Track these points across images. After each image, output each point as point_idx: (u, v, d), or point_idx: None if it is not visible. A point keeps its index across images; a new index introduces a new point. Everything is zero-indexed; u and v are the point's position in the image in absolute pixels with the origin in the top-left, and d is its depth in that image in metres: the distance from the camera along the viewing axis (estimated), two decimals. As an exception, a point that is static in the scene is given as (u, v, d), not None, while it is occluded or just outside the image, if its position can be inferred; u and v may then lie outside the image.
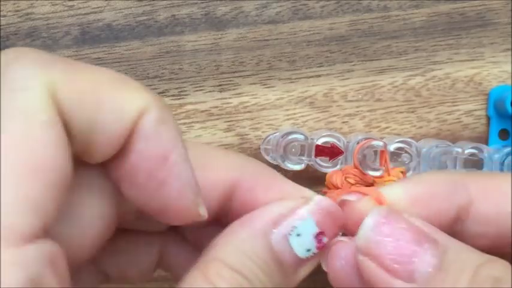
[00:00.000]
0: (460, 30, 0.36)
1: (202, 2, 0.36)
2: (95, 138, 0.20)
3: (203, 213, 0.22)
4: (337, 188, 0.32)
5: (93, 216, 0.22)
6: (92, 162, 0.21)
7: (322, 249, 0.23)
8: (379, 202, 0.23)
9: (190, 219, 0.22)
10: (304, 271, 0.23)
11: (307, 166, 0.34)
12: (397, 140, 0.33)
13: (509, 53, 0.36)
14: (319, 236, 0.23)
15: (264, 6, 0.36)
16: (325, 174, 0.33)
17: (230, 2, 0.36)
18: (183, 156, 0.21)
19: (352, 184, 0.32)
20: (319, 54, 0.36)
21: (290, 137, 0.33)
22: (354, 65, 0.36)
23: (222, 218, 0.25)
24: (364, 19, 0.36)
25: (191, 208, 0.22)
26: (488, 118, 0.36)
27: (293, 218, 0.23)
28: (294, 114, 0.36)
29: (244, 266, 0.22)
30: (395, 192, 0.24)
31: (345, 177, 0.32)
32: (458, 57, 0.36)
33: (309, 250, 0.23)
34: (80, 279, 0.25)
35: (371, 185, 0.32)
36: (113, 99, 0.20)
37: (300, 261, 0.23)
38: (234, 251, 0.22)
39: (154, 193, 0.21)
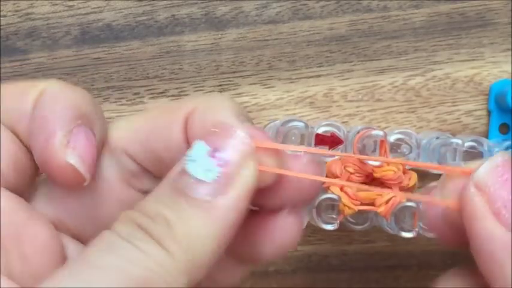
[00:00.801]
0: (460, 30, 0.36)
1: (202, 2, 0.36)
2: None
3: (73, 162, 0.23)
4: (336, 177, 0.32)
5: None
6: None
7: (227, 165, 0.21)
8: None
9: (63, 173, 0.23)
10: (229, 194, 0.21)
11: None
12: (397, 131, 0.33)
13: (509, 53, 0.36)
14: (213, 154, 0.22)
15: (264, 6, 0.36)
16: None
17: (230, 2, 0.36)
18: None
19: (351, 173, 0.32)
20: (319, 54, 0.36)
21: (290, 124, 0.33)
22: (354, 65, 0.36)
23: None
24: (364, 19, 0.36)
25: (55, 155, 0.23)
26: (489, 112, 0.36)
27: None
28: (294, 114, 0.36)
29: (149, 207, 0.21)
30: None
31: (344, 167, 0.32)
32: (458, 57, 0.36)
33: (209, 170, 0.21)
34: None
35: (370, 174, 0.32)
36: None
37: (210, 187, 0.21)
38: (143, 200, 0.22)
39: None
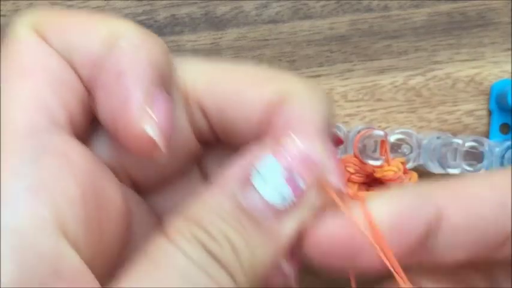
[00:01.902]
0: (460, 30, 0.36)
1: (202, 2, 0.36)
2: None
3: (152, 134, 0.20)
4: None
5: None
6: None
7: (301, 195, 0.20)
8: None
9: (139, 141, 0.20)
10: (290, 224, 0.20)
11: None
12: (397, 131, 0.33)
13: (510, 52, 0.36)
14: (290, 177, 0.20)
15: (264, 6, 0.36)
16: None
17: (230, 1, 0.36)
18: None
19: (352, 173, 0.32)
20: (319, 54, 0.36)
21: None
22: (354, 64, 0.36)
23: None
24: (364, 19, 0.36)
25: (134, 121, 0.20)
26: (490, 112, 0.36)
27: (251, 161, 0.20)
28: (294, 114, 0.36)
29: (210, 222, 0.20)
30: (380, 209, 0.21)
31: (345, 167, 0.32)
32: (459, 57, 0.36)
33: (283, 196, 0.20)
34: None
35: (371, 174, 0.32)
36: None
37: (279, 212, 0.20)
38: (201, 208, 0.20)
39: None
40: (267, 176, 0.20)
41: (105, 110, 0.21)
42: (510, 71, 0.36)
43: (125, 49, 0.21)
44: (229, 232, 0.20)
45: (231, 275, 0.20)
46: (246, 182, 0.20)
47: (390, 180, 0.32)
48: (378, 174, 0.32)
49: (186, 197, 0.21)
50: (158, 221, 0.25)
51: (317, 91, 0.23)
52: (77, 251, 0.19)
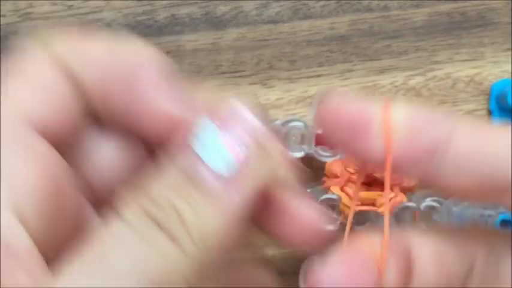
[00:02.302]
0: (460, 30, 0.36)
1: (202, 2, 0.36)
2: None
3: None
4: (336, 177, 0.32)
5: None
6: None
7: (245, 161, 0.20)
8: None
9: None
10: (242, 191, 0.20)
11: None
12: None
13: (510, 52, 0.36)
14: (229, 141, 0.20)
15: (264, 6, 0.36)
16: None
17: (230, 1, 0.36)
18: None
19: (352, 173, 0.32)
20: (319, 54, 0.36)
21: (290, 124, 0.33)
22: (354, 64, 0.36)
23: None
24: (364, 19, 0.36)
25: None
26: (490, 112, 0.36)
27: (191, 128, 0.20)
28: (294, 114, 0.36)
29: (158, 193, 0.20)
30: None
31: (345, 167, 0.32)
32: (458, 57, 0.36)
33: (227, 162, 0.20)
34: None
35: (371, 174, 0.32)
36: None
37: (226, 180, 0.20)
38: (150, 180, 0.20)
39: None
40: (204, 139, 0.20)
41: (124, 103, 0.22)
42: (510, 71, 0.36)
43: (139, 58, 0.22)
44: (176, 201, 0.19)
45: (178, 244, 0.19)
46: (189, 151, 0.20)
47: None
48: (377, 174, 0.32)
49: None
50: None
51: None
52: (28, 233, 0.20)
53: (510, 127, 0.22)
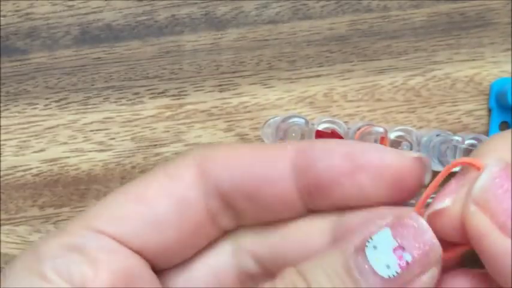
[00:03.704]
0: (460, 30, 0.36)
1: (202, 2, 0.36)
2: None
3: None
4: None
5: None
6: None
7: (406, 270, 0.21)
8: None
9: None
10: None
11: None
12: (397, 128, 0.33)
13: (509, 53, 0.36)
14: (397, 250, 0.21)
15: (264, 6, 0.36)
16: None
17: (230, 1, 0.36)
18: None
19: None
20: (319, 54, 0.36)
21: (290, 121, 0.33)
22: (354, 65, 0.36)
23: None
24: (364, 19, 0.36)
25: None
26: (489, 110, 0.36)
27: (368, 228, 0.21)
28: (294, 114, 0.36)
29: (311, 272, 0.21)
30: None
31: None
32: (458, 57, 0.36)
33: (389, 267, 0.21)
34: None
35: None
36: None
37: (383, 283, 0.21)
38: (311, 260, 0.21)
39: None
40: (378, 244, 0.21)
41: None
42: (510, 71, 0.36)
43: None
44: (326, 285, 0.21)
45: None
46: (360, 249, 0.21)
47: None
48: None
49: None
50: None
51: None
52: None
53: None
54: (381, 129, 0.32)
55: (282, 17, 0.36)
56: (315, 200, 0.24)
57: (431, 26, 0.36)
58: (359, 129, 0.32)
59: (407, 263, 0.21)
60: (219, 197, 0.24)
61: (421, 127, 0.36)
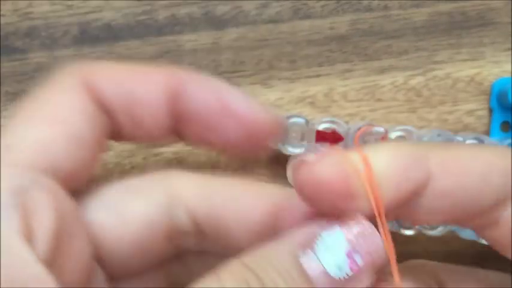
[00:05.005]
0: (460, 30, 0.36)
1: (202, 2, 0.36)
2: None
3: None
4: None
5: None
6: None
7: (357, 273, 0.21)
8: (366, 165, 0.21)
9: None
10: None
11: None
12: (398, 128, 0.33)
13: (510, 52, 0.36)
14: (351, 254, 0.21)
15: (264, 6, 0.36)
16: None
17: (230, 1, 0.36)
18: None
19: None
20: (319, 54, 0.36)
21: (290, 120, 0.33)
22: (354, 64, 0.36)
23: None
24: (364, 18, 0.36)
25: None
26: (490, 110, 0.36)
27: (321, 228, 0.21)
28: (294, 114, 0.36)
29: (261, 268, 0.21)
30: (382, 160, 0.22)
31: None
32: (459, 56, 0.36)
33: (341, 269, 0.21)
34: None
35: None
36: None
37: (333, 282, 0.21)
38: (256, 254, 0.21)
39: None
40: (330, 246, 0.21)
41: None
42: (511, 70, 0.36)
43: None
44: (281, 285, 0.20)
45: None
46: (309, 246, 0.21)
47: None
48: None
49: None
50: None
51: None
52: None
53: (481, 148, 0.23)
54: (382, 129, 0.32)
55: (282, 16, 0.36)
56: (185, 129, 0.25)
57: (432, 26, 0.36)
58: (359, 129, 0.32)
59: (359, 267, 0.21)
60: (103, 109, 0.24)
61: (421, 127, 0.36)
